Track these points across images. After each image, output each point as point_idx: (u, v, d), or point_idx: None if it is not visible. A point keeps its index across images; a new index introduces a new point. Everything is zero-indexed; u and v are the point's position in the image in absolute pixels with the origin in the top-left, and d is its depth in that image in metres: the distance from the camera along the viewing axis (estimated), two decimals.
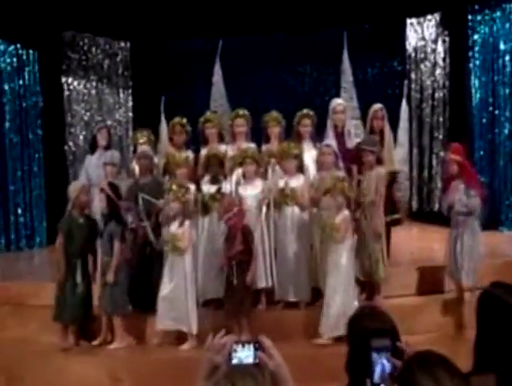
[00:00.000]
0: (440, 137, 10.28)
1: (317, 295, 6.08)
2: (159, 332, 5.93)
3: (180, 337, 5.85)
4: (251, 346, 1.92)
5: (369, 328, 2.36)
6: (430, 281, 6.49)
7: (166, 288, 5.78)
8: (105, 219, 6.00)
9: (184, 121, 6.98)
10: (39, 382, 5.57)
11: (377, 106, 6.96)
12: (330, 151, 6.16)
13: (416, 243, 8.94)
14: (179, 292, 5.75)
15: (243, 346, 1.92)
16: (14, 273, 8.11)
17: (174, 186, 5.88)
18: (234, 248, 5.69)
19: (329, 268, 5.71)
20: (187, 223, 5.82)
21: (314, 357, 5.46)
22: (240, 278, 5.69)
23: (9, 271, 8.33)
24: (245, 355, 1.91)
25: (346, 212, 5.74)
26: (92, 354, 5.90)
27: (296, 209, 6.09)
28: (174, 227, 5.79)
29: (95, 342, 5.99)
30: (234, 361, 1.90)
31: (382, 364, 2.12)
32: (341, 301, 5.63)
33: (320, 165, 6.19)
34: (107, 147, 7.37)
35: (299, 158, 6.23)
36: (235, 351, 1.92)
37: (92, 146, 7.54)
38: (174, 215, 5.82)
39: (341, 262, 5.69)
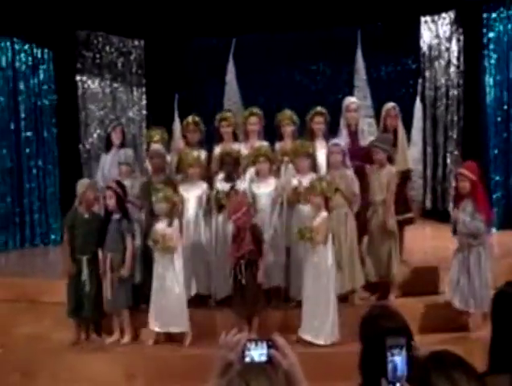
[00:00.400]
0: (454, 136, 10.19)
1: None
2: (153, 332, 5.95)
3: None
4: (264, 344, 1.91)
5: (383, 327, 2.36)
6: (443, 280, 6.44)
7: (156, 289, 5.80)
8: (108, 216, 6.01)
9: (198, 119, 6.98)
10: (54, 378, 5.61)
11: (390, 105, 6.93)
12: (338, 150, 6.13)
13: (430, 242, 8.89)
14: (168, 293, 5.77)
15: (256, 344, 1.92)
16: (29, 270, 8.17)
17: (161, 186, 5.91)
18: (243, 248, 5.68)
19: (308, 272, 5.65)
20: (176, 222, 5.83)
21: (326, 356, 5.45)
22: (249, 278, 5.69)
23: (24, 268, 8.40)
24: (258, 353, 1.90)
25: (325, 213, 5.66)
26: (106, 350, 5.92)
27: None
28: (162, 226, 5.79)
29: (109, 340, 6.02)
30: (247, 359, 1.90)
31: (398, 363, 2.10)
32: (320, 305, 5.61)
33: (330, 164, 6.18)
34: (121, 146, 7.39)
35: (312, 156, 6.21)
36: (248, 349, 1.91)
37: (107, 145, 7.56)
38: (162, 214, 5.83)
39: (324, 265, 5.63)
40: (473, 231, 5.63)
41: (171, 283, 5.77)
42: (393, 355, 2.09)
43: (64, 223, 6.16)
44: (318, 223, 5.59)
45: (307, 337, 5.61)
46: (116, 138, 7.35)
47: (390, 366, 2.09)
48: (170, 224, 5.79)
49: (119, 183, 6.14)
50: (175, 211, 5.87)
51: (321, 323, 5.60)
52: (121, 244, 5.94)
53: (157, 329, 5.87)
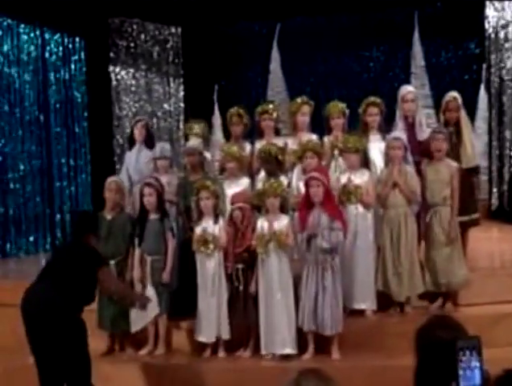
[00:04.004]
0: None
1: (387, 301, 6.03)
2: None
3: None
4: None
5: (441, 339, 2.34)
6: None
7: (201, 294, 5.83)
8: (143, 216, 6.04)
9: (242, 111, 6.99)
10: None
11: (451, 95, 6.80)
12: (400, 145, 6.06)
13: (497, 245, 8.75)
14: (211, 297, 5.79)
15: None
16: None
17: (208, 183, 5.94)
18: (245, 243, 5.68)
19: (275, 280, 5.60)
20: (221, 220, 5.87)
21: (384, 369, 5.40)
22: (245, 284, 5.70)
23: None
24: None
25: (285, 216, 5.66)
26: (141, 361, 5.99)
27: (360, 208, 6.03)
28: (209, 224, 5.83)
29: (143, 352, 6.07)
30: None
31: (470, 367, 2.03)
32: (284, 314, 5.56)
33: (388, 159, 6.11)
34: (148, 142, 7.43)
35: (363, 151, 6.16)
36: None
37: (130, 142, 7.64)
38: (208, 212, 5.87)
39: (285, 272, 5.60)
40: (334, 243, 5.42)
41: (211, 286, 5.80)
42: (465, 358, 2.02)
43: None
44: (283, 226, 5.56)
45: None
46: (138, 135, 7.41)
47: (461, 370, 2.02)
48: (215, 222, 5.84)
49: (154, 178, 6.18)
50: (218, 207, 5.91)
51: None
52: (163, 247, 5.97)
53: (207, 340, 5.92)
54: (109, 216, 6.10)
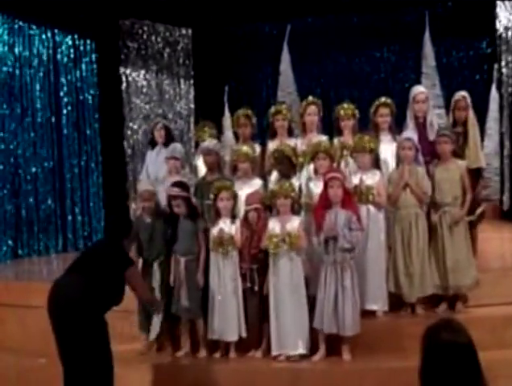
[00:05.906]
0: None
1: (399, 302, 6.02)
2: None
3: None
4: None
5: (442, 341, 2.36)
6: None
7: (216, 294, 5.83)
8: (175, 218, 6.04)
9: (249, 112, 7.01)
10: None
11: (460, 95, 6.78)
12: (411, 145, 6.05)
13: (508, 245, 8.71)
14: (228, 297, 5.79)
15: None
16: None
17: (228, 184, 5.94)
18: (261, 243, 5.67)
19: (285, 281, 5.60)
20: (238, 221, 5.86)
21: (396, 370, 5.39)
22: (259, 284, 5.69)
23: None
24: None
25: (297, 217, 5.66)
26: (150, 362, 5.98)
27: (372, 208, 6.03)
28: (226, 224, 5.83)
29: (179, 354, 6.05)
30: None
31: None
32: (296, 315, 5.55)
33: (400, 159, 6.11)
34: (167, 142, 7.51)
35: (373, 152, 6.15)
36: None
37: (152, 142, 7.74)
38: (226, 213, 5.88)
39: (297, 273, 5.59)
40: (354, 243, 5.41)
41: (230, 287, 5.81)
42: None
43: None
44: (297, 227, 5.56)
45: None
46: (159, 136, 7.54)
47: None
48: (232, 222, 5.85)
49: (179, 184, 6.12)
50: (234, 208, 5.92)
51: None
52: (195, 247, 5.96)
53: (218, 338, 5.91)
54: (148, 220, 6.09)
